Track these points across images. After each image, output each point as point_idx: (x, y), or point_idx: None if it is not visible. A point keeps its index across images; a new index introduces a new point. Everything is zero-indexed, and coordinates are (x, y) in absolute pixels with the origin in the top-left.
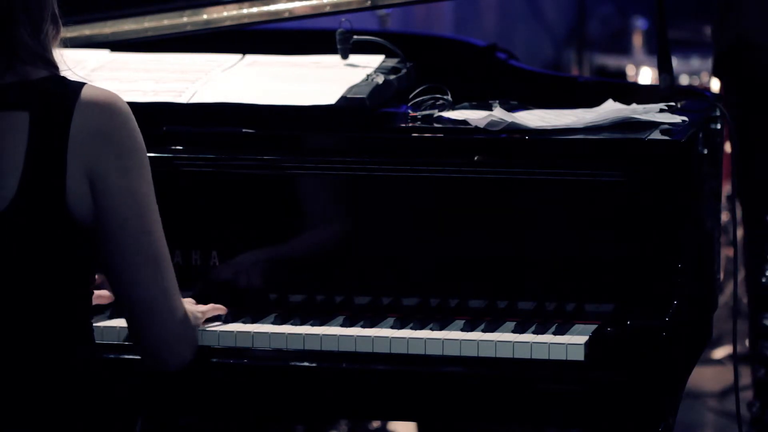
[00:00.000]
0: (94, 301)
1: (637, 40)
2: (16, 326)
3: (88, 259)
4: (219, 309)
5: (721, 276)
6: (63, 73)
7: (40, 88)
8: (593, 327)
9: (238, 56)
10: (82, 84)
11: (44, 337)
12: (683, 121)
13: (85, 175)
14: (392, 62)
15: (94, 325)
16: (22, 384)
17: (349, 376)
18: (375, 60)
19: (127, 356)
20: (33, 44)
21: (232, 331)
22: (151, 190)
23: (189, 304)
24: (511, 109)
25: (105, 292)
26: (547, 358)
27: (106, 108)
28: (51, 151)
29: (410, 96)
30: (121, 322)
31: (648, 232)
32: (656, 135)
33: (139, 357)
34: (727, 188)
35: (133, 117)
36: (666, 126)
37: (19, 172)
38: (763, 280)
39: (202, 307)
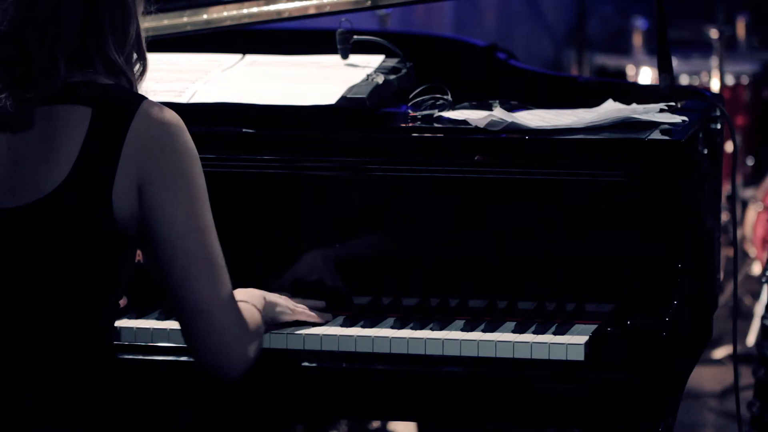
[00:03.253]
0: None
1: (637, 40)
2: (44, 314)
3: (123, 263)
4: (315, 318)
5: (721, 276)
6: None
7: (105, 90)
8: (593, 327)
9: (238, 56)
10: (144, 96)
11: (67, 332)
12: (683, 121)
13: (135, 181)
14: (392, 62)
15: None
16: (41, 376)
17: (349, 376)
18: (375, 60)
19: (127, 356)
20: (118, 59)
21: None
22: (205, 195)
23: (284, 298)
24: (511, 109)
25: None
26: (547, 358)
27: (165, 120)
28: (106, 148)
29: (410, 96)
30: (122, 323)
31: (648, 232)
32: (656, 135)
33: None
34: (727, 187)
35: (187, 131)
36: (666, 126)
37: (72, 162)
38: (763, 280)
39: (296, 306)
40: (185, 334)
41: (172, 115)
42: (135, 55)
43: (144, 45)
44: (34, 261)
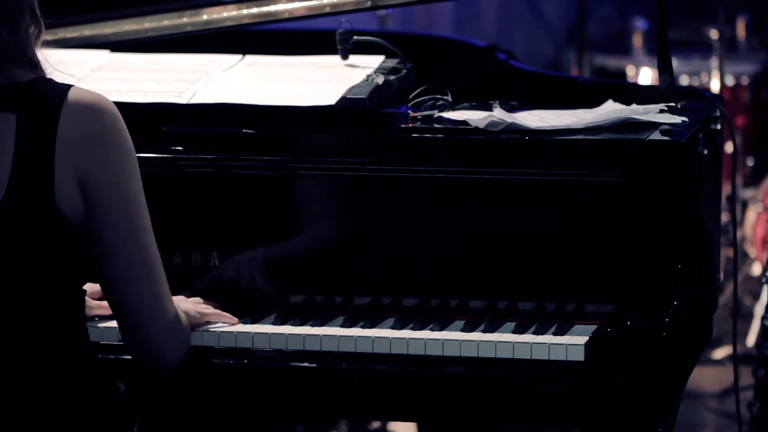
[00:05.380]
0: (97, 312)
1: (637, 41)
2: (8, 326)
3: (78, 259)
4: (226, 317)
5: (721, 276)
6: (51, 74)
7: (27, 90)
8: (593, 327)
9: (238, 56)
10: (69, 86)
11: (36, 336)
12: (683, 121)
13: (74, 177)
14: (392, 63)
15: (96, 325)
16: (16, 384)
17: (350, 377)
18: (375, 60)
19: (127, 357)
20: (12, 43)
21: (232, 332)
22: (140, 192)
23: (192, 303)
24: (511, 109)
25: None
26: (547, 358)
27: (93, 109)
28: (38, 152)
29: (410, 96)
30: None
31: (648, 232)
32: (656, 135)
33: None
34: (727, 188)
35: (120, 118)
36: (666, 126)
37: (8, 174)
38: (763, 280)
39: (205, 309)
40: (124, 332)
41: (100, 104)
42: (32, 26)
43: (37, 10)
44: None
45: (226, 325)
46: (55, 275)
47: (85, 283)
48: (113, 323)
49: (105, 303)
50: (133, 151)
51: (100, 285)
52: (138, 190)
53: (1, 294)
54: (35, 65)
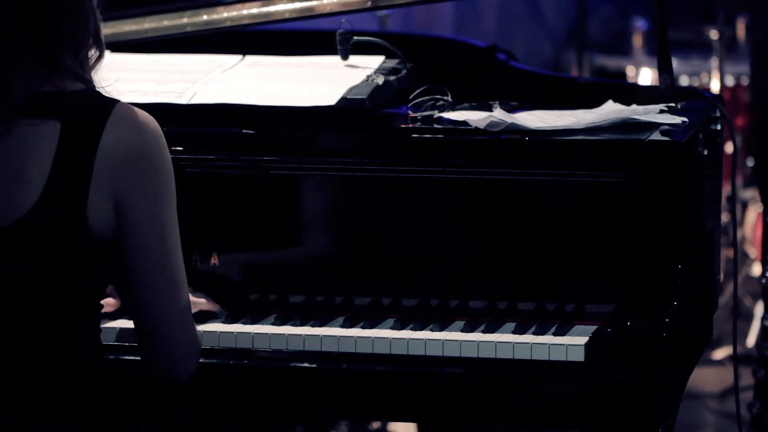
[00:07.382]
0: None
1: (637, 41)
2: (27, 330)
3: (102, 270)
4: (211, 306)
5: (721, 276)
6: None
7: (74, 99)
8: (593, 327)
9: (238, 57)
10: (116, 101)
11: (53, 341)
12: (683, 121)
13: (110, 191)
14: (392, 63)
15: None
16: (30, 388)
17: (349, 377)
18: (375, 61)
19: (127, 357)
20: (73, 65)
21: (233, 332)
22: (173, 214)
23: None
24: (511, 109)
25: (110, 300)
26: (547, 358)
27: (139, 127)
28: (77, 162)
29: (410, 97)
30: (120, 323)
31: (648, 232)
32: (656, 136)
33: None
34: (727, 188)
35: (163, 137)
36: (666, 127)
37: (44, 180)
38: (763, 281)
39: (195, 300)
40: (144, 343)
41: (146, 123)
42: (94, 48)
43: (101, 35)
44: (13, 277)
45: (222, 324)
46: (77, 285)
47: (105, 296)
48: (113, 324)
49: (108, 300)
50: (172, 173)
51: (123, 298)
52: (172, 211)
53: (22, 299)
54: (87, 81)
